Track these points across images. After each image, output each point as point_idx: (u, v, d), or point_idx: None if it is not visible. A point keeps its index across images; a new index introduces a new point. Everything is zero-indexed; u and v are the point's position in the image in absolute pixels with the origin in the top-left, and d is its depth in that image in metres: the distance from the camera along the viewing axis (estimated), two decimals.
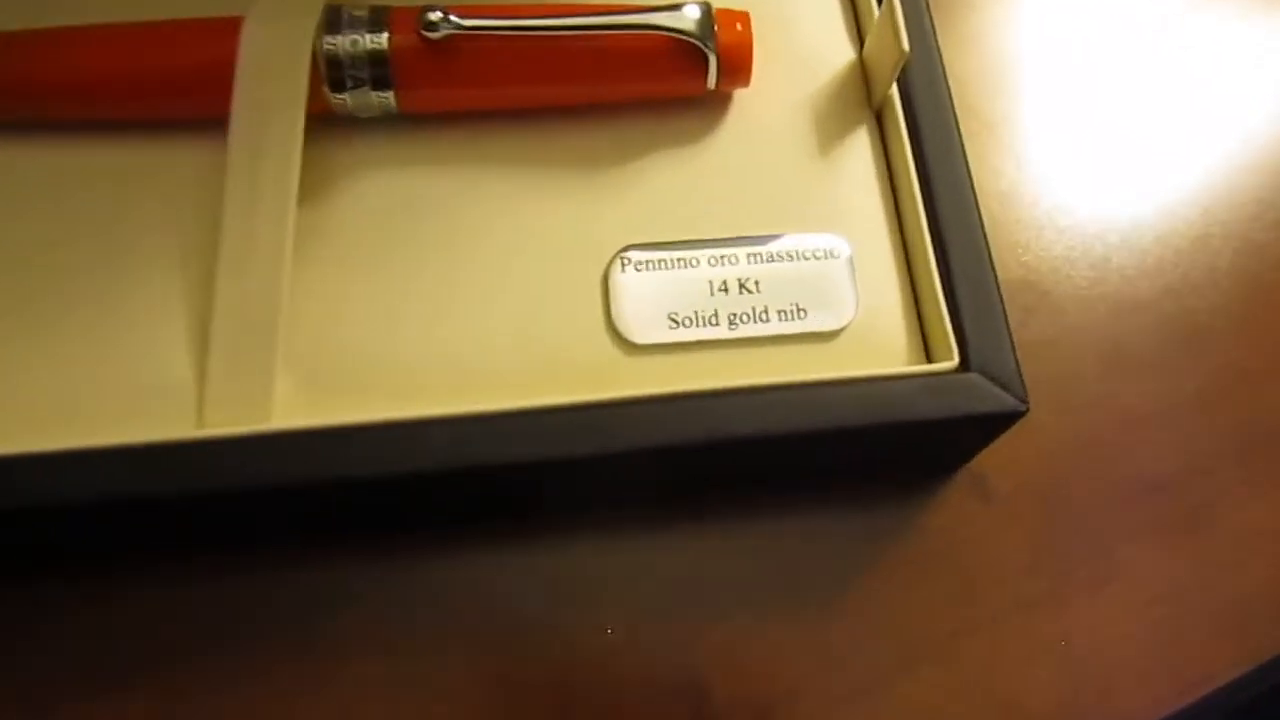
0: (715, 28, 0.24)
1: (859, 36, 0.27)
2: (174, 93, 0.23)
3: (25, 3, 0.24)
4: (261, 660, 0.25)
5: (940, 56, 0.26)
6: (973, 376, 0.23)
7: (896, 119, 0.25)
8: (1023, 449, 0.27)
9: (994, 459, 0.27)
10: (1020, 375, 0.23)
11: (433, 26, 0.23)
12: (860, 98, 0.26)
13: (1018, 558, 0.26)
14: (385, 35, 0.23)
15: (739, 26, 0.24)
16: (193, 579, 0.25)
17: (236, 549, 0.25)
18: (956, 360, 0.23)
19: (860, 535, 0.26)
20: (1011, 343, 0.23)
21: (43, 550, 0.25)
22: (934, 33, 0.26)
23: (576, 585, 0.26)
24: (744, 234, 0.24)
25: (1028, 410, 0.23)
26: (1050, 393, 0.28)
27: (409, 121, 0.25)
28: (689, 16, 0.23)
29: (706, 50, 0.24)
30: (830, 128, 0.26)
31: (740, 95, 0.26)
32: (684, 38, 0.23)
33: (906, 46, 0.23)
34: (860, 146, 0.26)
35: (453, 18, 0.23)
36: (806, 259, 0.24)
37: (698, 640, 0.25)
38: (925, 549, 0.26)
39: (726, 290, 0.24)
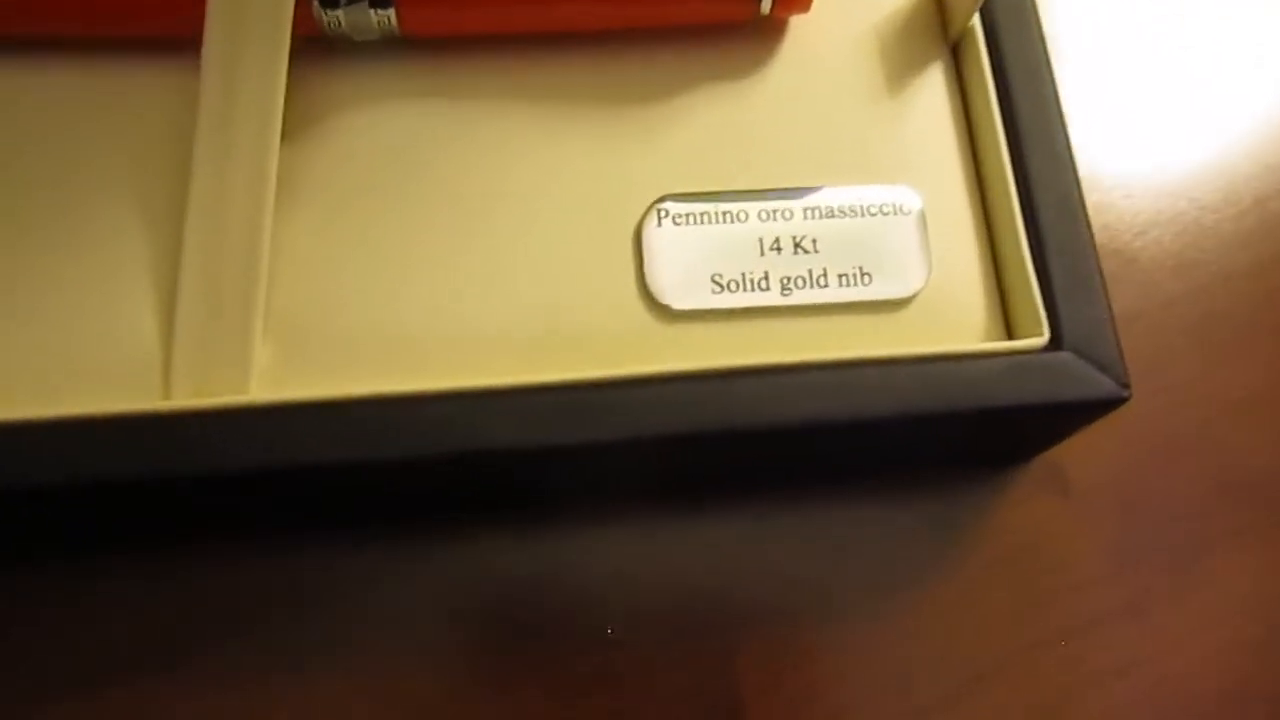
0: None
1: None
2: (134, 4, 0.20)
3: None
4: (237, 656, 0.22)
5: None
6: (1065, 356, 0.20)
7: (978, 53, 0.22)
8: (1103, 438, 0.24)
9: (1072, 448, 0.24)
10: (1121, 356, 0.20)
11: None
12: (934, 28, 0.23)
13: (1098, 562, 0.23)
14: None
15: None
16: (159, 568, 0.22)
17: (206, 536, 0.23)
18: (1046, 336, 0.20)
19: (920, 532, 0.23)
20: (1111, 318, 0.20)
21: None
22: None
23: (590, 584, 0.23)
24: (799, 184, 0.21)
25: (1130, 397, 0.20)
26: (1136, 374, 0.24)
27: (412, 46, 0.22)
28: None
29: None
30: (899, 62, 0.22)
31: (796, 23, 0.22)
32: None
33: None
34: (934, 85, 0.22)
35: None
36: (871, 214, 0.21)
37: (732, 652, 0.22)
38: (995, 549, 0.23)
39: (779, 250, 0.20)
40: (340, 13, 0.20)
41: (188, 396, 0.19)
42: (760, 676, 0.22)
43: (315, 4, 0.20)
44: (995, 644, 0.22)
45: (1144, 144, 0.28)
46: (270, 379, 0.20)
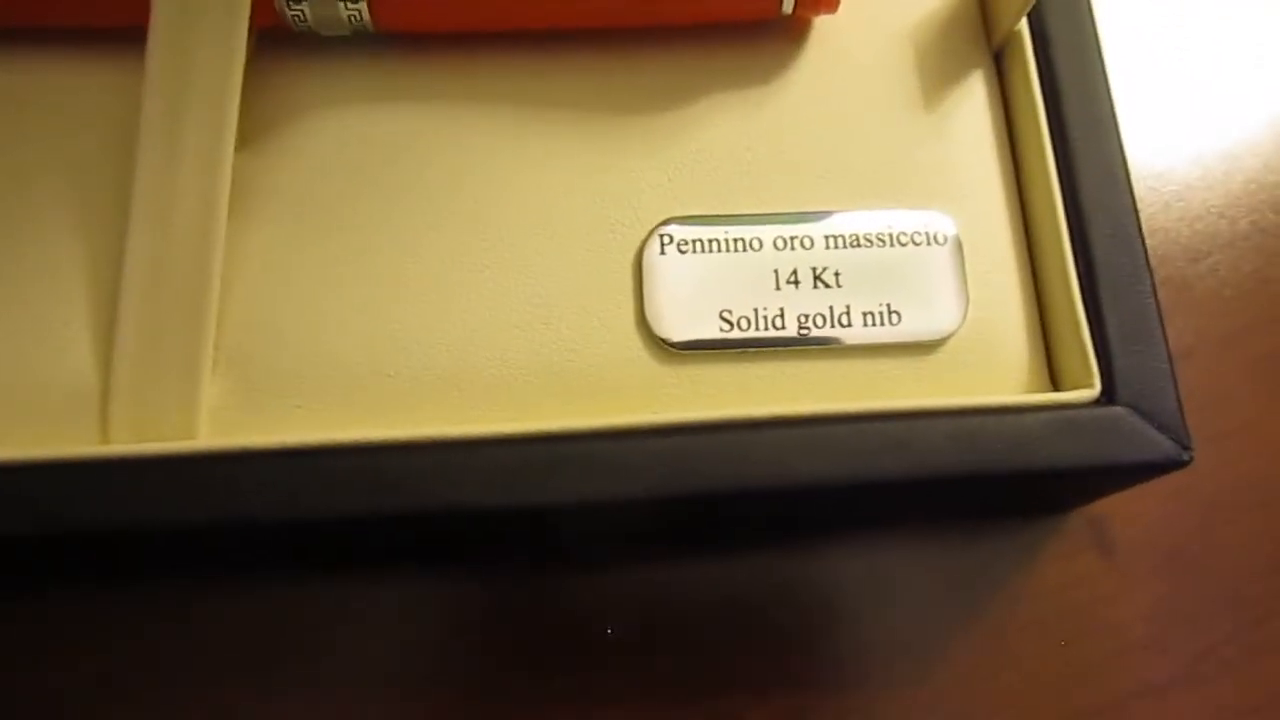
0: None
1: None
2: None
3: None
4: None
5: None
6: (1119, 411, 0.18)
7: (1025, 63, 0.20)
8: (1153, 489, 0.21)
9: (1116, 501, 0.22)
10: (1182, 413, 0.18)
11: None
12: (977, 32, 0.21)
13: (1145, 628, 0.21)
14: None
15: None
16: (99, 611, 0.21)
17: (157, 577, 0.21)
18: (1098, 389, 0.18)
19: (948, 592, 0.21)
20: (1172, 369, 0.18)
21: None
22: None
23: (592, 636, 0.21)
24: (821, 207, 0.19)
25: (1191, 460, 0.17)
26: (1189, 418, 0.22)
27: (387, 44, 0.19)
28: None
29: None
30: (936, 70, 0.20)
31: (821, 24, 0.20)
32: None
33: None
34: (974, 96, 0.20)
35: None
36: (901, 243, 0.19)
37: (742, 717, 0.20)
38: (1029, 613, 0.21)
39: (797, 283, 0.18)
40: (305, 6, 0.18)
41: (128, 439, 0.17)
42: None
43: None
44: (1032, 715, 0.20)
45: (1199, 158, 0.26)
46: (221, 420, 0.18)
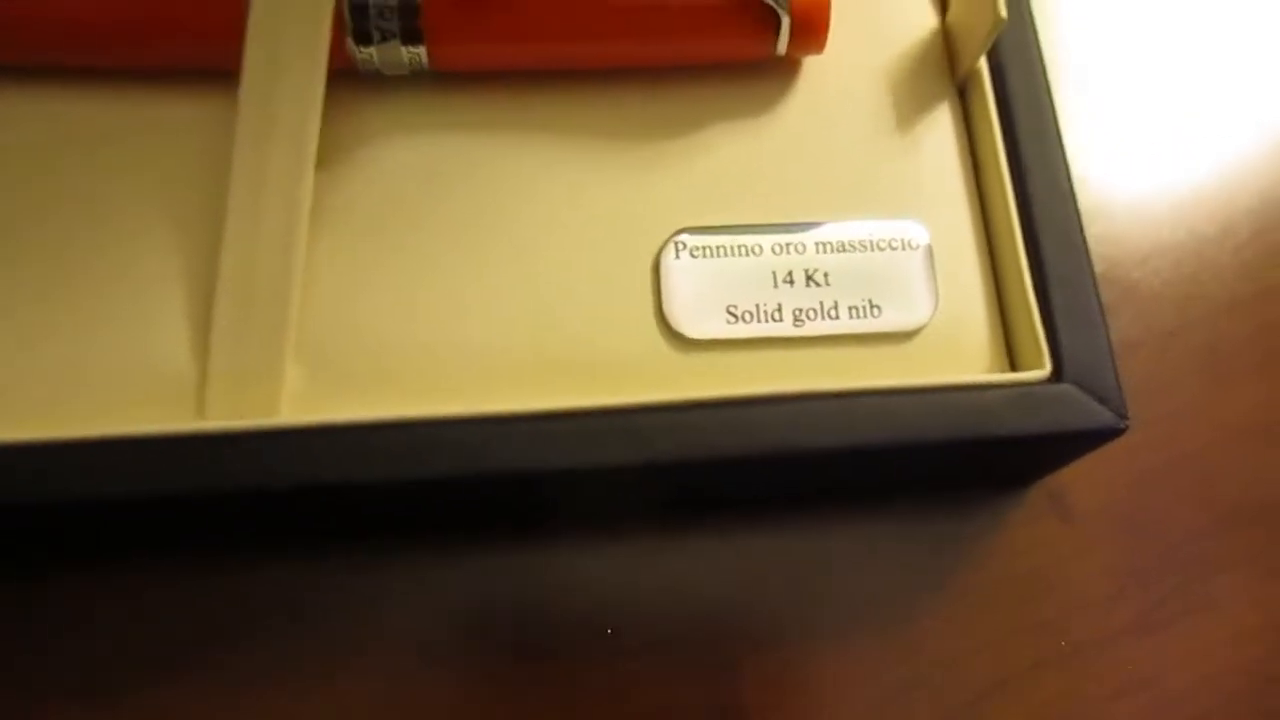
0: None
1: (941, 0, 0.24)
2: (174, 38, 0.21)
3: None
4: (251, 666, 0.23)
5: (1034, 24, 0.23)
6: (1066, 388, 0.20)
7: (984, 94, 0.23)
8: (1105, 464, 0.25)
9: (1074, 474, 0.25)
10: (1120, 388, 0.20)
11: None
12: (942, 69, 0.24)
13: (1100, 584, 0.24)
14: None
15: None
16: (178, 578, 0.23)
17: (222, 547, 0.23)
18: (1049, 369, 0.20)
19: (925, 556, 0.24)
20: (1111, 351, 0.21)
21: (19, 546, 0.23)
22: None
23: (593, 600, 0.23)
24: (811, 218, 0.22)
25: (1128, 428, 0.20)
26: (1136, 401, 0.25)
27: (440, 80, 0.22)
28: None
29: (779, 10, 0.21)
30: (908, 101, 0.23)
31: (809, 63, 0.23)
32: None
33: (1004, 12, 0.21)
34: (941, 123, 0.23)
35: None
36: (880, 248, 0.22)
37: (737, 668, 0.23)
38: (997, 572, 0.24)
39: (792, 282, 0.21)
40: (374, 49, 0.21)
41: (221, 416, 0.20)
42: (762, 693, 0.23)
43: (349, 40, 0.21)
44: (998, 663, 0.23)
45: (1143, 175, 0.29)
46: (300, 401, 0.20)
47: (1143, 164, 0.29)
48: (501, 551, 0.24)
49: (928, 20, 0.24)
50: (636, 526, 0.24)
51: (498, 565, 0.24)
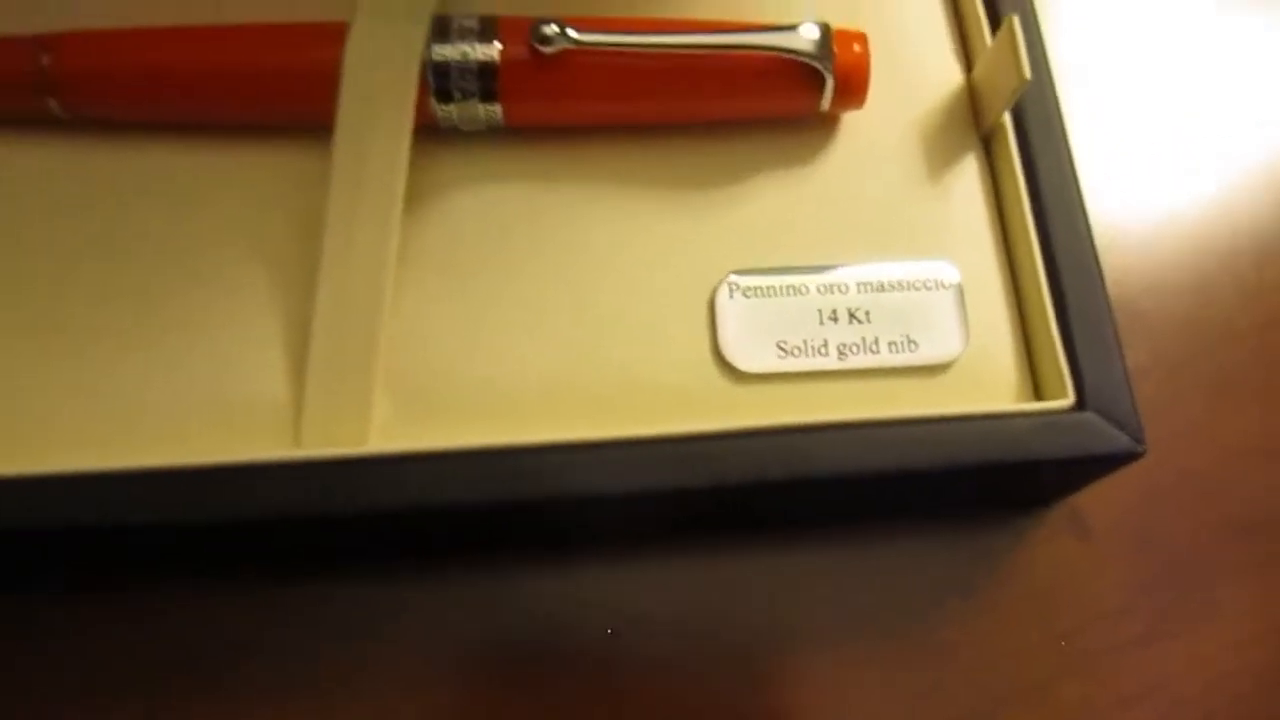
0: (834, 49, 0.23)
1: (966, 58, 0.26)
2: (274, 97, 0.23)
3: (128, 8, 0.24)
4: (257, 676, 0.24)
5: (1053, 82, 0.25)
6: (1089, 416, 0.22)
7: (1008, 145, 0.25)
8: (1118, 483, 0.26)
9: (1089, 493, 0.26)
10: (1138, 415, 0.22)
11: (547, 40, 0.22)
12: (967, 122, 0.26)
13: (1113, 596, 0.26)
14: (496, 46, 0.22)
15: (856, 48, 0.23)
16: (236, 595, 0.25)
17: (285, 566, 0.25)
18: (1072, 398, 0.22)
19: (952, 570, 0.26)
20: (1128, 381, 0.23)
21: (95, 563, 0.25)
22: (1047, 58, 0.25)
23: (634, 613, 0.25)
24: (850, 260, 0.24)
25: (1145, 452, 0.22)
26: (1148, 421, 0.27)
27: (512, 134, 0.24)
28: (808, 37, 0.23)
29: (824, 72, 0.23)
30: (937, 152, 0.25)
31: (848, 117, 0.25)
32: (801, 58, 0.23)
33: (1028, 73, 0.23)
34: (968, 172, 0.25)
35: (569, 31, 0.22)
36: (915, 288, 0.24)
37: (767, 675, 0.25)
38: (1020, 586, 0.26)
39: (836, 319, 0.23)
40: (454, 107, 0.23)
41: (316, 445, 0.22)
42: (795, 697, 0.24)
43: (432, 100, 0.23)
44: (1017, 672, 0.25)
45: (1149, 210, 0.31)
46: (385, 429, 0.22)
47: (1155, 208, 0.31)
48: (520, 570, 0.25)
49: (953, 77, 0.26)
50: (677, 544, 0.26)
51: (517, 585, 0.25)
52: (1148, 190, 0.31)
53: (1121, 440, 0.22)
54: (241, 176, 0.24)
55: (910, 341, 0.23)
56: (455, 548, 0.26)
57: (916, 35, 0.26)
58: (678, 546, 0.26)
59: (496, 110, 0.23)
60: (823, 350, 0.23)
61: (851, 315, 0.23)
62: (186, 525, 0.21)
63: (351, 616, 0.25)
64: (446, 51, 0.22)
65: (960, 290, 0.24)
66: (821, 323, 0.23)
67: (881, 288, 0.24)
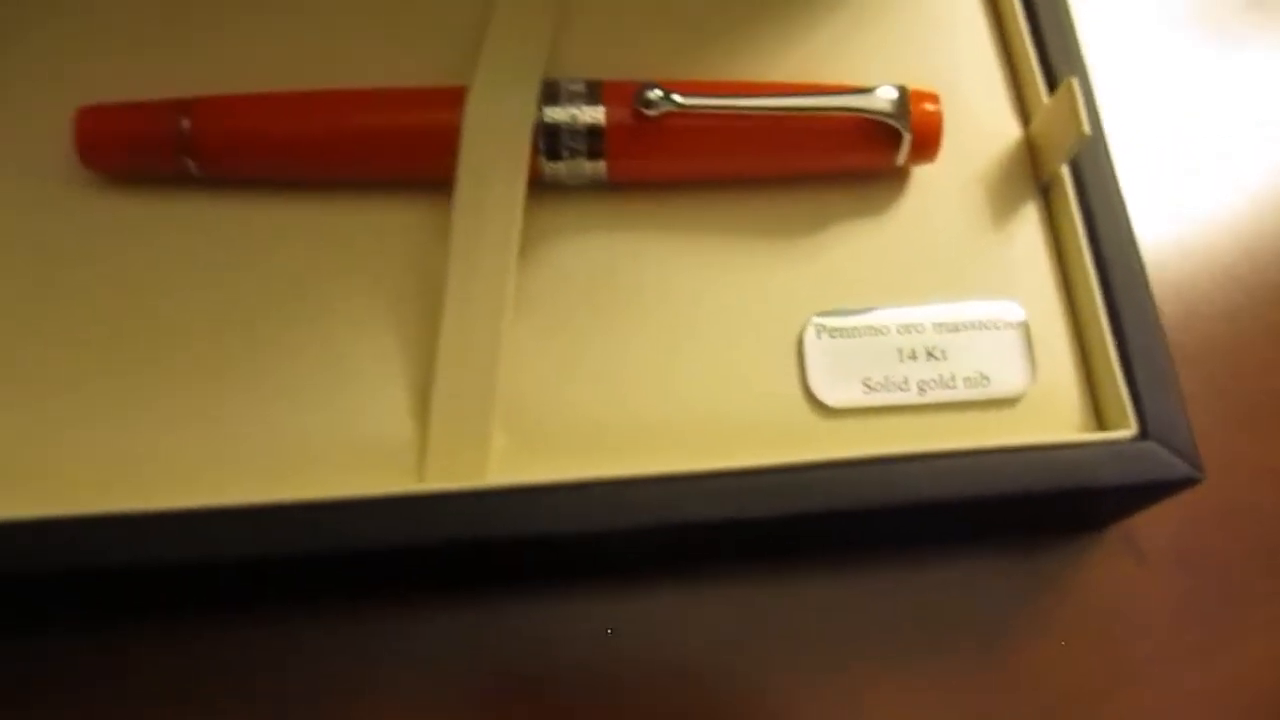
0: (910, 108, 0.25)
1: (1022, 112, 0.28)
2: (398, 155, 0.25)
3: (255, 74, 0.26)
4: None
5: (1104, 134, 0.27)
6: (1150, 445, 0.24)
7: (1065, 193, 0.26)
8: (1169, 508, 0.28)
9: (1145, 516, 0.28)
10: (1195, 444, 0.24)
11: (651, 104, 0.24)
12: (1026, 172, 0.28)
13: (1167, 617, 0.27)
14: (601, 109, 0.24)
15: (930, 106, 0.25)
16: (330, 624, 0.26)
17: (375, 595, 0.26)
18: (1135, 429, 0.24)
19: (1015, 590, 0.27)
20: (1185, 411, 0.25)
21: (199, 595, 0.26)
22: (1099, 115, 0.27)
23: (711, 636, 0.26)
24: (924, 301, 0.26)
25: (1203, 479, 0.24)
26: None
27: (612, 189, 0.26)
28: (887, 98, 0.25)
29: (901, 130, 0.25)
30: (1000, 201, 0.27)
31: (919, 170, 0.27)
32: (882, 118, 0.25)
33: (1088, 129, 0.25)
34: (1029, 218, 0.27)
35: (674, 96, 0.24)
36: (985, 327, 0.26)
37: (818, 692, 0.26)
38: (1079, 605, 0.27)
39: (915, 358, 0.25)
40: (562, 164, 0.25)
41: (439, 479, 0.23)
42: (849, 712, 0.26)
43: (542, 157, 0.25)
44: (1070, 686, 0.26)
45: (1188, 246, 0.33)
46: (502, 463, 0.24)
47: (1194, 247, 0.33)
48: (585, 594, 0.27)
49: (1011, 130, 0.28)
50: (740, 568, 0.27)
51: (530, 614, 0.26)
52: (1189, 238, 0.33)
53: (1181, 468, 0.24)
54: (366, 229, 0.25)
55: (983, 377, 0.25)
56: (543, 575, 0.27)
57: (975, 91, 0.28)
58: (741, 571, 0.27)
59: (601, 167, 0.25)
60: (904, 386, 0.25)
61: (929, 353, 0.25)
62: (321, 556, 0.22)
63: (433, 642, 0.26)
64: (556, 114, 0.24)
65: (1026, 328, 0.26)
66: (902, 360, 0.25)
67: (955, 328, 0.25)
